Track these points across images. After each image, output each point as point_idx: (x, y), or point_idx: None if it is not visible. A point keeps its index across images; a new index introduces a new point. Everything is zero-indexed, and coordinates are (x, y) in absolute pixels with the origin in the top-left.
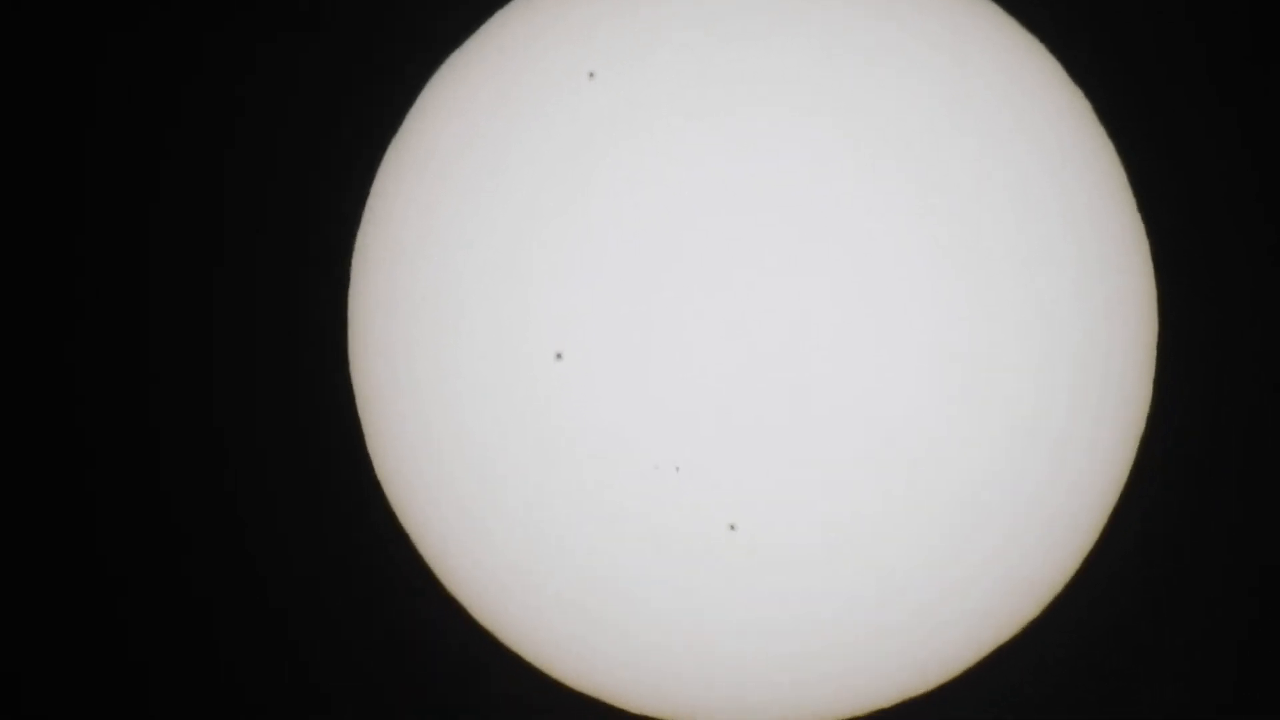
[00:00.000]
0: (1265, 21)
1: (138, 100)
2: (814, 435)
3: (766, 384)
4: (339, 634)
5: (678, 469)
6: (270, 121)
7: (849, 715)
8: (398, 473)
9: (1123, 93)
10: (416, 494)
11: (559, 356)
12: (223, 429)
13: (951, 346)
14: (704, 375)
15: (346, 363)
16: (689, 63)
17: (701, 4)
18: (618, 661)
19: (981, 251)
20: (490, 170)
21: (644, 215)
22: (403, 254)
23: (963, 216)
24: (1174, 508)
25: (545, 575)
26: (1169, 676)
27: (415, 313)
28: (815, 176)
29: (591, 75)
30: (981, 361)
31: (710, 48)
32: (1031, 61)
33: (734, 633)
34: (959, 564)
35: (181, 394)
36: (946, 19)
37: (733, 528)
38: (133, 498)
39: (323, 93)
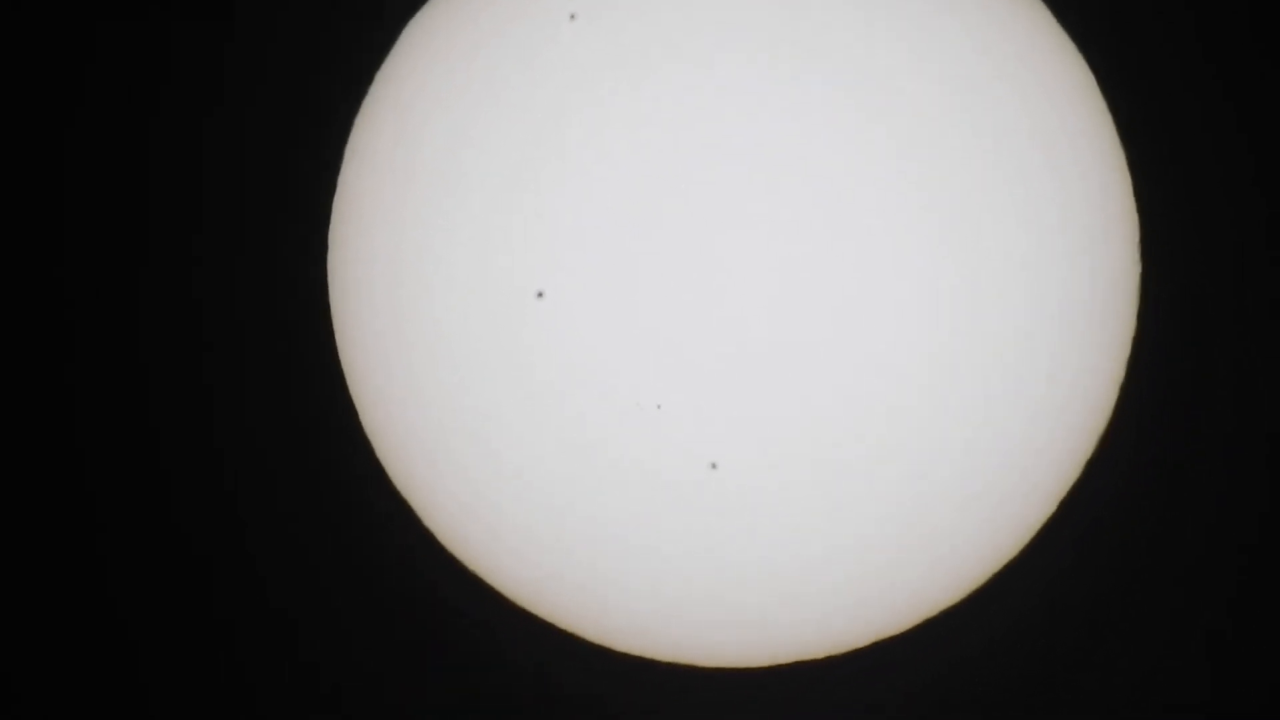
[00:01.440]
0: None
1: (124, 79)
2: (796, 374)
3: (749, 323)
4: (313, 565)
5: (659, 407)
6: (248, 68)
7: (828, 654)
8: (378, 413)
9: (1115, 45)
10: (397, 431)
11: (540, 295)
12: (210, 385)
13: (935, 285)
14: (686, 314)
15: (328, 304)
16: (673, 5)
17: None
18: (598, 599)
19: (965, 188)
20: (472, 111)
21: (626, 156)
22: (384, 193)
23: (946, 155)
24: (1153, 457)
25: (524, 512)
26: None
27: (396, 252)
28: (800, 121)
29: (573, 17)
30: (966, 300)
31: None
32: (1023, 14)
33: (714, 571)
34: (941, 503)
35: (166, 348)
36: None
37: (714, 466)
38: (115, 433)
39: (300, 37)
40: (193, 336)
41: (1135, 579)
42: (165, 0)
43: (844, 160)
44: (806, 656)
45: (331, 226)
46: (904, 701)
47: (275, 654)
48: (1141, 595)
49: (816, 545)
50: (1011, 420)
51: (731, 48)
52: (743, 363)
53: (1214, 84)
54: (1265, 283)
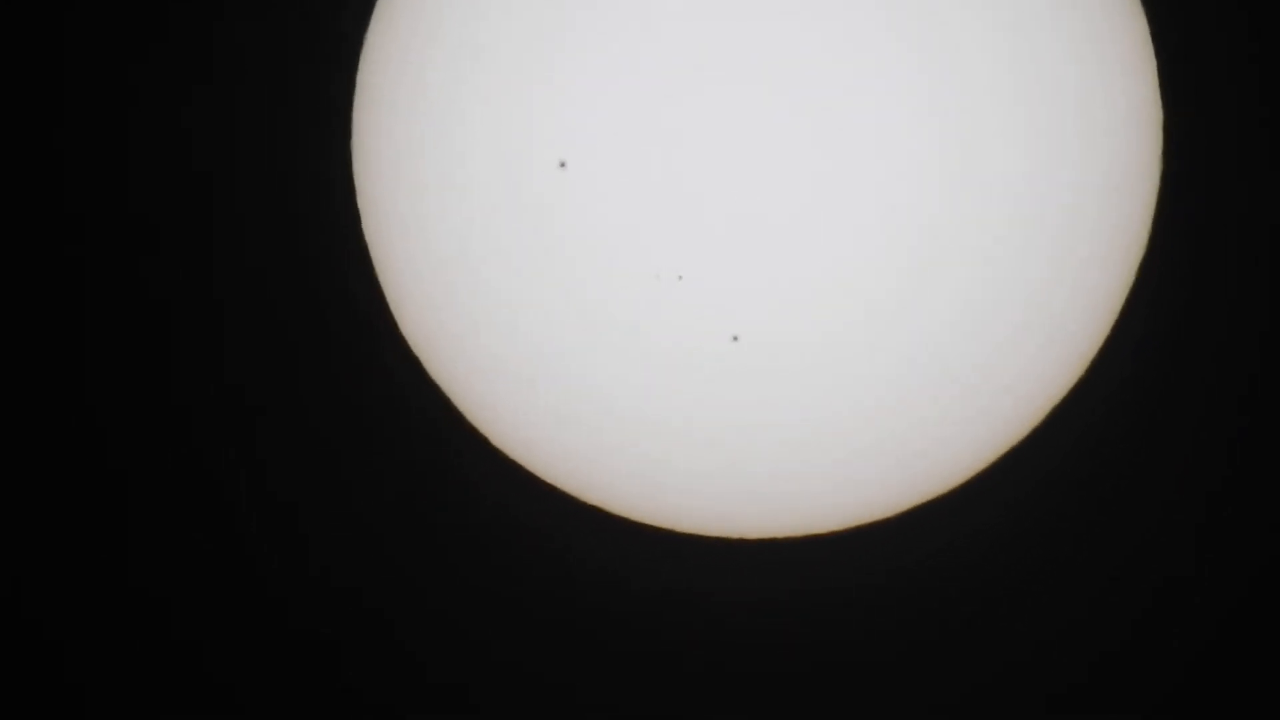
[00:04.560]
0: None
1: None
2: (818, 246)
3: (771, 194)
4: (328, 435)
5: (680, 278)
6: None
7: (850, 525)
8: (400, 283)
9: None
10: (418, 303)
11: (563, 165)
12: (222, 262)
13: (957, 156)
14: (708, 185)
15: (351, 178)
16: None
17: None
18: (617, 470)
19: (980, 56)
20: None
21: (650, 25)
22: (408, 62)
23: (967, 29)
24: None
25: (544, 384)
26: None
27: (419, 120)
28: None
29: None
30: (987, 171)
31: None
32: None
33: (735, 443)
34: (964, 373)
35: (179, 228)
36: None
37: (736, 339)
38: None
39: None
40: (204, 241)
41: (1146, 456)
42: None
43: (874, 35)
44: (828, 529)
45: (355, 98)
46: (926, 573)
47: (281, 531)
48: (1149, 475)
49: (838, 417)
50: (1033, 289)
51: None
52: (765, 234)
53: None
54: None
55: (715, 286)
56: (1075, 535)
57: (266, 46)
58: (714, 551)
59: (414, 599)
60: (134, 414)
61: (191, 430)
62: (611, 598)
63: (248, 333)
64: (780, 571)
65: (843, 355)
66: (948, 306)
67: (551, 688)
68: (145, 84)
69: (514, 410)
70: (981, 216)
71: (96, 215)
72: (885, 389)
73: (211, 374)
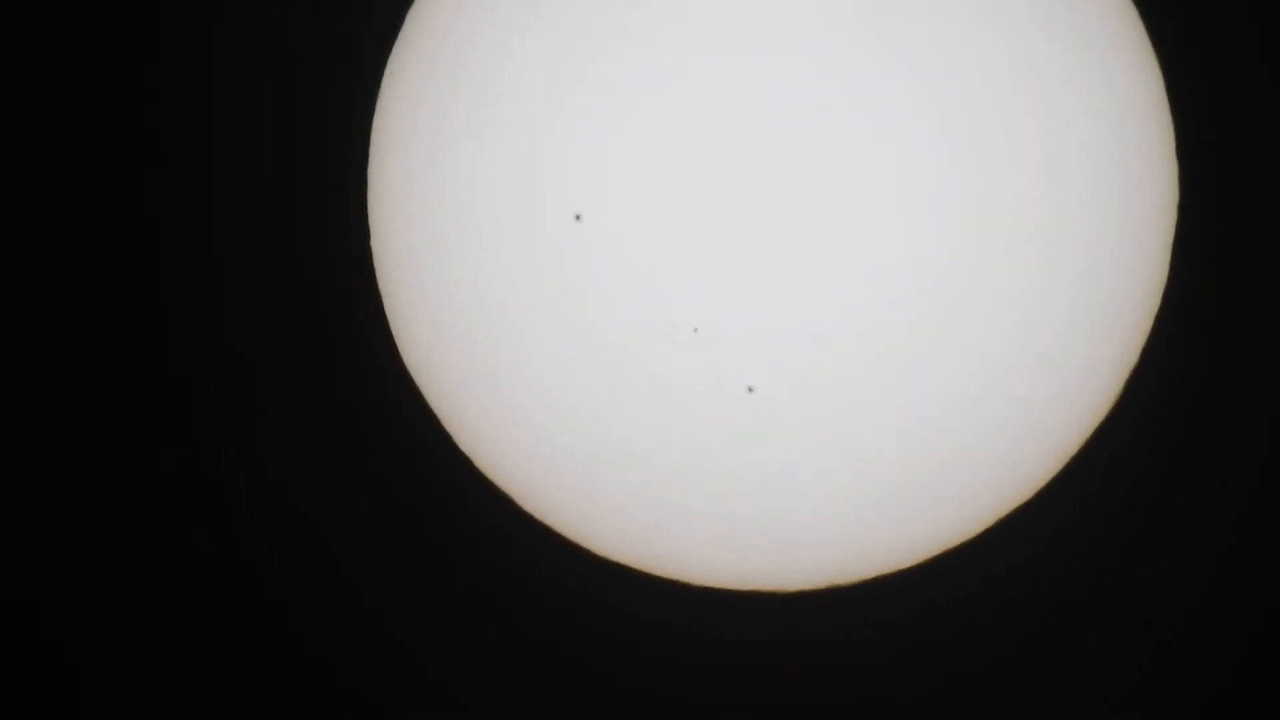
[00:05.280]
0: None
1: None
2: (833, 298)
3: (786, 245)
4: (346, 485)
5: (696, 330)
6: None
7: (862, 579)
8: (415, 336)
9: None
10: (434, 354)
11: (578, 218)
12: (226, 277)
13: (977, 206)
14: (723, 236)
15: (366, 228)
16: None
17: None
18: (633, 522)
19: (995, 103)
20: (510, 34)
21: (665, 76)
22: (422, 117)
23: (982, 65)
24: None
25: (561, 435)
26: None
27: (434, 173)
28: (838, 43)
29: None
30: (1005, 223)
31: None
32: None
33: (749, 494)
34: (979, 426)
35: (191, 287)
36: None
37: (751, 390)
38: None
39: None
40: (215, 282)
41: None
42: None
43: (884, 79)
44: (843, 581)
45: (370, 151)
46: (941, 625)
47: (281, 531)
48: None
49: (853, 469)
50: (1050, 344)
51: None
52: (780, 286)
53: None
54: None
55: (730, 338)
56: (1087, 590)
57: (280, 100)
58: (722, 603)
59: (414, 599)
60: (134, 414)
61: (191, 430)
62: (614, 640)
63: (249, 333)
64: (783, 625)
65: (857, 408)
66: (961, 359)
67: (551, 688)
68: (159, 91)
69: (529, 461)
70: (998, 269)
71: (98, 215)
72: (899, 440)
73: (212, 374)
